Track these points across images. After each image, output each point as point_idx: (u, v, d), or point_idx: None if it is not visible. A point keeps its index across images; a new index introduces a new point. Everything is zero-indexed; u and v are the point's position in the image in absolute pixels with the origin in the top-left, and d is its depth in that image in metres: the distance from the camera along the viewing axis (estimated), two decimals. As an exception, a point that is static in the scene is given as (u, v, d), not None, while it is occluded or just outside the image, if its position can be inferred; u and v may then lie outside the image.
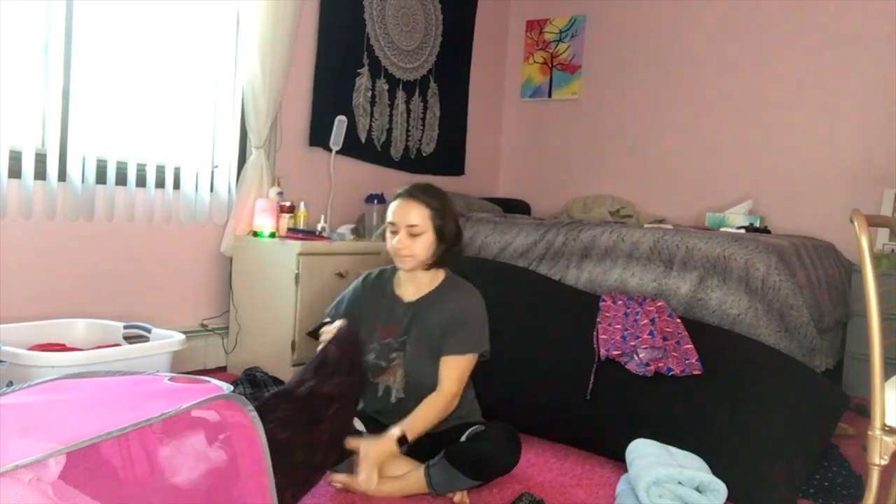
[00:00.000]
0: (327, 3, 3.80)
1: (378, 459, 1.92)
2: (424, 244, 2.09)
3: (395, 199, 2.15)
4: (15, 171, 2.63)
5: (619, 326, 2.51)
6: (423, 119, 4.52)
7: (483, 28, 4.95)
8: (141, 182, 3.03)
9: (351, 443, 1.91)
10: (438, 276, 2.20)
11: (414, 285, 2.18)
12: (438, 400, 2.05)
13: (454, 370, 2.08)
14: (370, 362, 2.13)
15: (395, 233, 2.11)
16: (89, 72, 2.81)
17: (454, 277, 2.22)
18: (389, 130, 4.26)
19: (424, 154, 4.55)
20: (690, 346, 2.41)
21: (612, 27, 4.80)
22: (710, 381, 2.32)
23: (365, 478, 1.90)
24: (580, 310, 2.67)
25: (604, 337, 2.49)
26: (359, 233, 3.70)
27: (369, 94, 4.08)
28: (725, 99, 4.37)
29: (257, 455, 1.40)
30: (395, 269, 2.22)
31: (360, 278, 2.30)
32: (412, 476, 2.01)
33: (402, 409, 2.07)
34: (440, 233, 2.11)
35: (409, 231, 2.09)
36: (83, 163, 2.81)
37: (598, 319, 2.57)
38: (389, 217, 2.14)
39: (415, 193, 2.12)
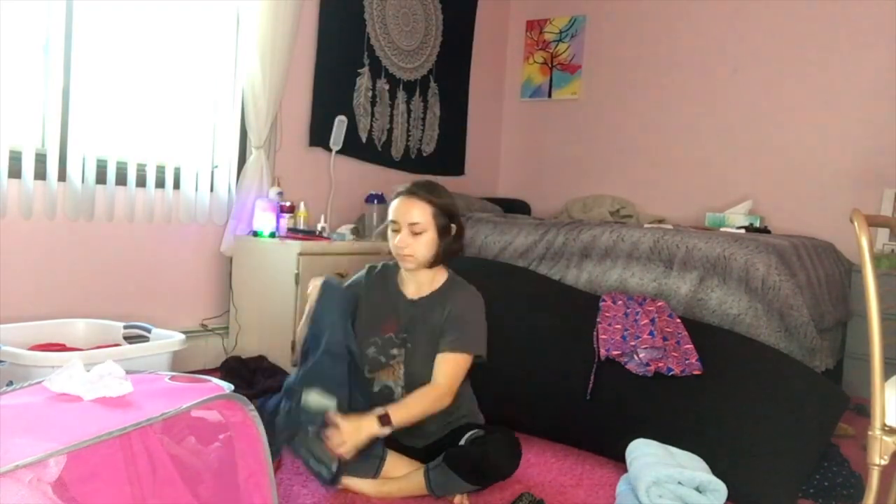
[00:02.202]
0: (327, 3, 3.80)
1: (356, 432, 1.87)
2: (426, 243, 2.05)
3: (396, 196, 2.10)
4: (15, 171, 2.63)
5: (619, 326, 2.51)
6: (424, 119, 4.52)
7: (483, 28, 4.95)
8: (141, 182, 3.03)
9: (332, 418, 1.87)
10: (440, 275, 2.16)
11: (415, 284, 2.16)
12: (429, 391, 2.01)
13: (448, 366, 2.03)
14: (369, 356, 2.10)
15: (396, 231, 2.07)
16: (89, 72, 2.82)
17: (455, 278, 2.19)
18: (390, 130, 4.26)
19: (425, 154, 4.55)
20: (690, 346, 2.41)
21: (612, 27, 4.80)
22: (710, 381, 2.32)
23: (335, 441, 1.85)
24: (580, 310, 2.67)
25: (604, 337, 2.49)
26: (359, 233, 3.70)
27: (369, 94, 4.08)
28: (725, 99, 4.36)
29: (258, 455, 1.40)
30: (398, 266, 2.19)
31: (365, 270, 2.25)
32: (412, 477, 2.01)
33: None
34: (442, 231, 2.07)
35: (411, 229, 2.04)
36: (83, 163, 2.81)
37: (598, 319, 2.57)
38: (391, 215, 2.10)
39: (416, 191, 2.07)
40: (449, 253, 2.12)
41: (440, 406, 2.02)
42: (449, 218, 2.09)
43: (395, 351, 2.10)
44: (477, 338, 2.09)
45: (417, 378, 2.06)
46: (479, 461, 1.98)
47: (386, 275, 2.22)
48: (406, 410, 1.97)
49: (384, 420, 1.91)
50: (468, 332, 2.08)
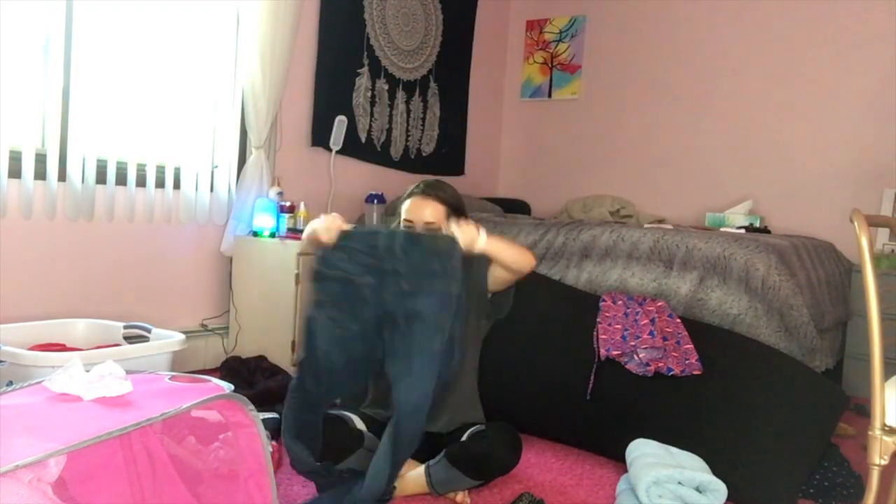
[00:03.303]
0: (327, 4, 3.80)
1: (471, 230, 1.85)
2: None
3: (408, 196, 2.15)
4: (15, 171, 2.63)
5: (619, 326, 2.51)
6: (423, 119, 4.52)
7: (483, 28, 4.95)
8: (141, 182, 3.03)
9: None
10: None
11: None
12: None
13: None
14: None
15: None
16: (89, 72, 2.81)
17: None
18: (389, 130, 4.26)
19: (424, 154, 4.55)
20: (690, 346, 2.41)
21: (612, 27, 4.80)
22: (710, 381, 2.32)
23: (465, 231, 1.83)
24: (580, 310, 2.67)
25: (604, 337, 2.49)
26: (359, 233, 3.69)
27: (369, 94, 4.08)
28: (725, 99, 4.37)
29: (258, 454, 1.40)
30: None
31: None
32: (413, 475, 2.01)
33: None
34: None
35: (427, 227, 2.09)
36: (83, 163, 2.81)
37: (598, 319, 2.57)
38: (404, 214, 2.14)
39: (429, 191, 2.12)
40: None
41: (529, 260, 2.05)
42: (457, 214, 2.14)
43: None
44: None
45: None
46: (481, 455, 1.99)
47: None
48: (502, 243, 1.98)
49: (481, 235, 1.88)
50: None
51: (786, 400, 2.26)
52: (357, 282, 1.74)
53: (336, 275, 1.76)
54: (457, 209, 2.14)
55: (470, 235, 1.84)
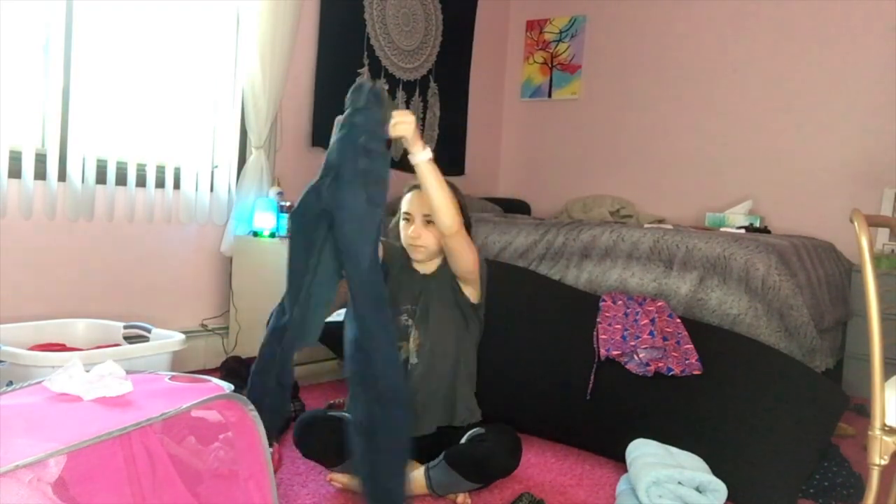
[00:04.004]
0: (327, 3, 3.80)
1: (410, 121, 1.83)
2: (437, 233, 2.10)
3: (409, 190, 2.19)
4: (15, 171, 2.63)
5: (619, 326, 2.51)
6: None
7: (483, 28, 4.95)
8: (141, 182, 3.03)
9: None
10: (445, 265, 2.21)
11: (424, 268, 2.22)
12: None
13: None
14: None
15: (409, 222, 2.16)
16: (89, 72, 2.81)
17: None
18: (389, 130, 4.26)
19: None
20: (690, 346, 2.41)
21: (612, 27, 4.80)
22: (709, 381, 2.32)
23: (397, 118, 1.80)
24: (580, 310, 2.67)
25: (604, 337, 2.49)
26: (359, 233, 3.69)
27: (369, 94, 4.08)
28: (725, 99, 4.37)
29: (258, 455, 1.40)
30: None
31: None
32: (412, 478, 2.00)
33: (413, 377, 2.07)
34: None
35: (425, 219, 2.12)
36: (83, 163, 2.81)
37: (598, 319, 2.57)
38: (404, 207, 2.18)
39: None
40: None
41: (453, 215, 1.96)
42: (458, 210, 2.11)
43: (410, 321, 2.14)
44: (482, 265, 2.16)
45: (430, 340, 2.11)
46: (480, 459, 1.99)
47: (404, 254, 2.25)
48: (439, 177, 1.94)
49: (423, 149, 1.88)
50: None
51: (786, 400, 2.26)
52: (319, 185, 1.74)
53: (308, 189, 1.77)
54: (455, 205, 2.10)
55: (407, 128, 1.79)
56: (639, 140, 4.68)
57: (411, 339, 2.13)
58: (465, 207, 2.18)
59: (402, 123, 1.79)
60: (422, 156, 1.88)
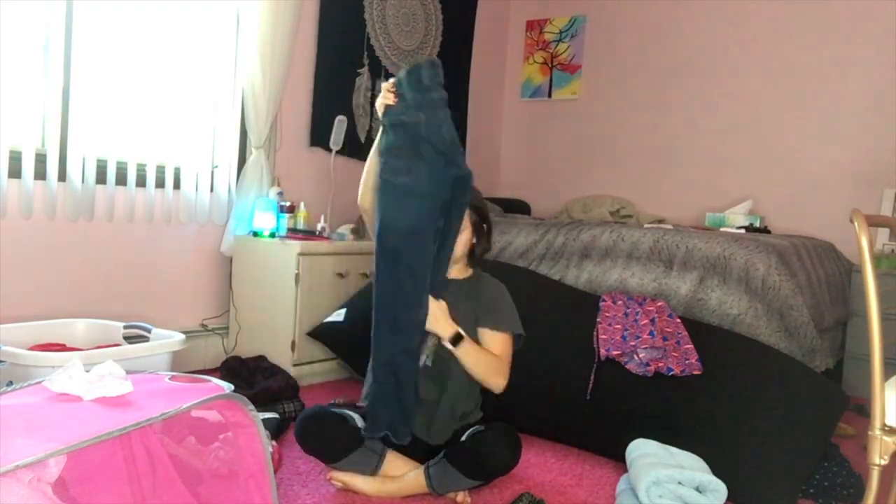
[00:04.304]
0: (327, 3, 3.80)
1: (443, 316, 1.99)
2: (464, 241, 2.10)
3: None
4: (15, 171, 2.63)
5: (619, 326, 2.51)
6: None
7: (483, 28, 4.95)
8: (141, 182, 3.03)
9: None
10: (467, 272, 2.21)
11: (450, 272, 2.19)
12: (499, 360, 2.10)
13: (498, 343, 2.11)
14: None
15: None
16: (89, 72, 2.81)
17: (480, 272, 2.24)
18: (389, 130, 4.26)
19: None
20: (690, 346, 2.41)
21: (612, 27, 4.80)
22: (710, 381, 2.32)
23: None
24: (580, 310, 2.67)
25: (604, 337, 2.49)
26: (359, 233, 3.69)
27: (369, 94, 4.08)
28: (725, 99, 4.37)
29: (258, 455, 1.40)
30: None
31: None
32: (412, 476, 2.01)
33: (426, 378, 2.04)
34: (478, 229, 2.14)
35: None
36: (83, 163, 2.81)
37: (598, 319, 2.57)
38: None
39: None
40: (482, 251, 2.19)
41: (498, 380, 2.10)
42: (481, 217, 2.15)
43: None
44: (515, 318, 2.17)
45: (448, 352, 2.08)
46: (480, 456, 1.99)
47: None
48: (475, 350, 2.05)
49: (458, 337, 2.01)
50: (506, 312, 2.15)
51: (786, 400, 2.26)
52: (410, 121, 1.89)
53: (395, 121, 1.91)
54: (479, 211, 2.14)
55: (444, 330, 1.98)
56: (639, 140, 4.68)
57: (430, 341, 2.10)
58: (485, 211, 2.17)
59: (433, 318, 1.97)
60: (455, 345, 2.00)
